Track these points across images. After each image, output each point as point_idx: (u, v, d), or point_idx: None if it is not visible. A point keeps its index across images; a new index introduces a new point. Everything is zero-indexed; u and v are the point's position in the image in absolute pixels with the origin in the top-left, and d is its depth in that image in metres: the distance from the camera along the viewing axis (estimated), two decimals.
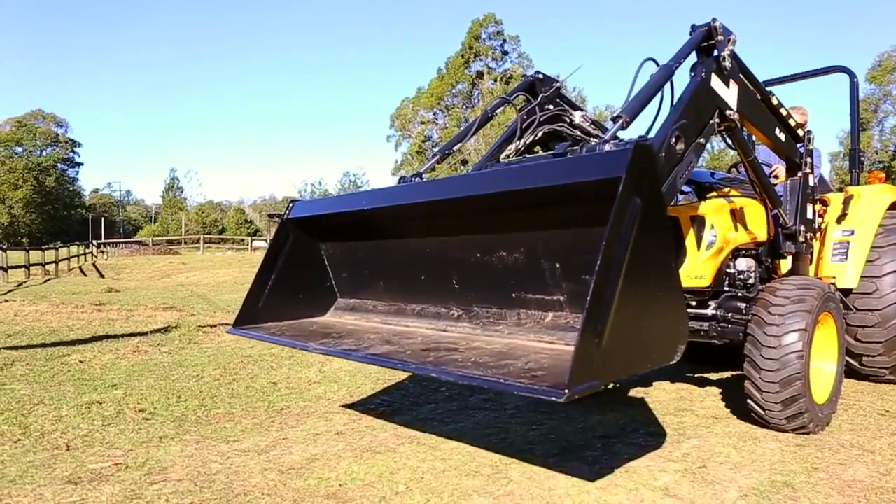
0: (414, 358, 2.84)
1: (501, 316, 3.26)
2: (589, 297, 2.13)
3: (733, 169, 5.95)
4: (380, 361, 2.92)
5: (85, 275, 25.96)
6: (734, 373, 5.53)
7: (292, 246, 3.94)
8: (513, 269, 3.15)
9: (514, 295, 3.19)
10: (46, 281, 20.52)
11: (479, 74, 59.79)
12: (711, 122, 3.53)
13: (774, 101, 4.22)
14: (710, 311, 4.32)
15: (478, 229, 3.25)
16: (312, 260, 4.07)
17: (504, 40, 59.74)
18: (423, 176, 4.08)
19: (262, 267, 3.87)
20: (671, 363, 2.54)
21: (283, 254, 3.91)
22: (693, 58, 3.58)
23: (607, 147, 2.84)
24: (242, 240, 58.65)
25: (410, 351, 2.99)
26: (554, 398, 2.05)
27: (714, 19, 3.53)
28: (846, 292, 4.92)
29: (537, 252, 3.02)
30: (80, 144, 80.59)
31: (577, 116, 4.36)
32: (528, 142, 4.31)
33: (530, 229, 3.00)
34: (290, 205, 3.95)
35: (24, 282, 19.83)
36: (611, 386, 5.08)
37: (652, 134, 3.30)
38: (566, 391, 2.03)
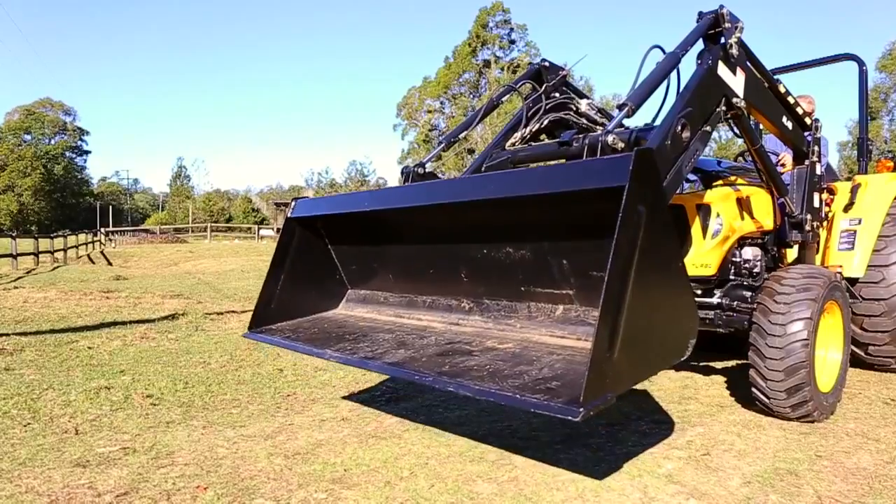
0: (430, 367, 2.83)
1: (512, 309, 3.26)
2: (599, 313, 2.15)
3: (740, 158, 5.93)
4: (396, 372, 2.92)
5: (93, 262, 26.05)
6: (739, 361, 5.54)
7: (299, 243, 3.95)
8: (521, 266, 3.17)
9: (523, 289, 3.19)
10: (55, 268, 20.63)
11: (486, 63, 59.45)
12: (718, 109, 3.52)
13: (782, 90, 4.19)
14: (715, 300, 4.31)
15: (484, 228, 3.27)
16: (320, 255, 4.07)
17: (511, 29, 59.31)
18: (427, 165, 4.07)
19: (272, 266, 3.88)
20: (683, 359, 2.57)
21: (290, 252, 3.92)
22: (700, 45, 3.55)
23: (610, 138, 2.83)
24: (249, 228, 58.81)
25: (426, 357, 2.98)
26: (570, 417, 2.09)
27: (721, 6, 3.50)
28: (853, 281, 4.91)
29: (544, 249, 3.04)
30: (87, 133, 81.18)
31: (583, 104, 4.35)
32: (533, 130, 4.31)
33: (536, 228, 3.02)
34: (293, 203, 3.93)
35: (34, 269, 19.93)
36: None
37: (658, 122, 3.29)
38: (581, 409, 2.07)
